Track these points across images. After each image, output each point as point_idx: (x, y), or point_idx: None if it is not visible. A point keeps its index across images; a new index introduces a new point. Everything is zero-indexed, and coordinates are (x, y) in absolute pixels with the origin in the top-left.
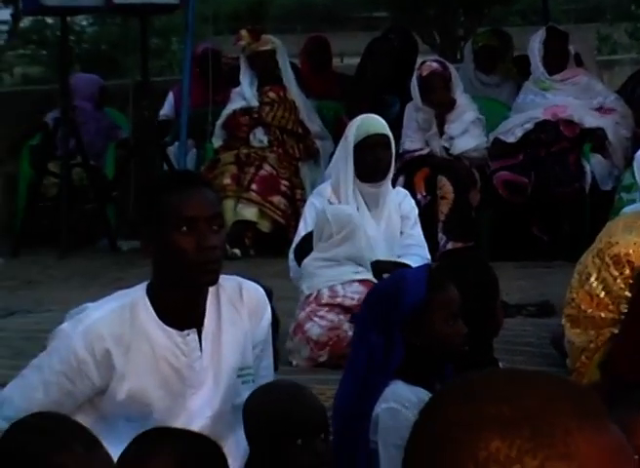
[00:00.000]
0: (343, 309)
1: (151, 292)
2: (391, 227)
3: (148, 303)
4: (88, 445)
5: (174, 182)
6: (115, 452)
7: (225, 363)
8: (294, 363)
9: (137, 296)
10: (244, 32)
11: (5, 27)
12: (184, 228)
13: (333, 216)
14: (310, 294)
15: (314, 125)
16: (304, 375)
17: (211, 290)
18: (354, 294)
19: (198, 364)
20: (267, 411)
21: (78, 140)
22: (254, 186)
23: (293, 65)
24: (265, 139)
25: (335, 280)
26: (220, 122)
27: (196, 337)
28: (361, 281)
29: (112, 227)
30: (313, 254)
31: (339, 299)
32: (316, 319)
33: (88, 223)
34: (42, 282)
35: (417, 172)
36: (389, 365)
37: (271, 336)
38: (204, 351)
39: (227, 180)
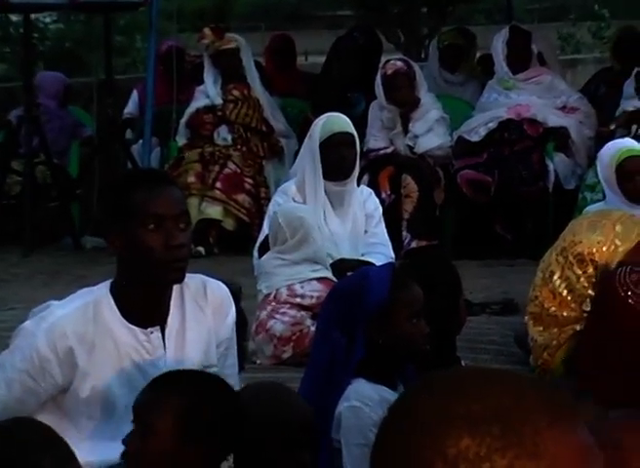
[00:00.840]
0: (303, 308)
1: (115, 290)
2: (356, 226)
3: (112, 301)
4: (59, 462)
5: (141, 180)
6: (78, 452)
7: (189, 361)
8: (257, 362)
9: (100, 294)
10: (207, 30)
11: None
12: (152, 226)
13: (285, 220)
14: (269, 294)
15: (278, 123)
16: (268, 374)
17: (175, 288)
18: (313, 293)
19: (162, 362)
20: (253, 415)
21: (42, 138)
22: (218, 184)
23: (257, 64)
24: (229, 138)
25: (293, 279)
26: (183, 120)
27: (160, 335)
28: (320, 279)
29: (76, 225)
30: (270, 254)
31: (297, 299)
32: (278, 316)
33: (51, 221)
34: (5, 280)
35: (381, 170)
36: (351, 363)
37: (237, 335)
38: (168, 349)
39: (192, 178)
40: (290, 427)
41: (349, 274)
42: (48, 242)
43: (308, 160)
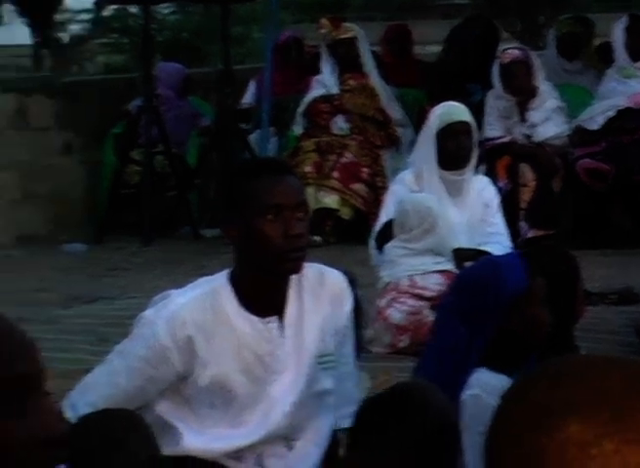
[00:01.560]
0: (423, 299)
1: (233, 280)
2: (473, 215)
3: (230, 290)
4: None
5: (260, 169)
6: (199, 438)
7: (307, 349)
8: (373, 350)
9: (219, 284)
10: (325, 20)
11: (88, 16)
12: (270, 216)
13: (413, 209)
14: (390, 282)
15: (395, 112)
16: (384, 363)
17: (293, 277)
18: (434, 285)
19: (280, 351)
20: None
21: (161, 128)
22: (335, 174)
23: (374, 53)
24: (346, 127)
25: (415, 270)
26: (300, 110)
27: (278, 325)
28: (441, 271)
29: (195, 215)
30: (394, 242)
31: (418, 290)
32: (397, 305)
33: (170, 211)
34: (125, 269)
35: (498, 159)
36: (473, 352)
37: (354, 324)
38: (286, 338)
39: (308, 168)
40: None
41: (468, 264)
42: (167, 231)
43: (425, 149)
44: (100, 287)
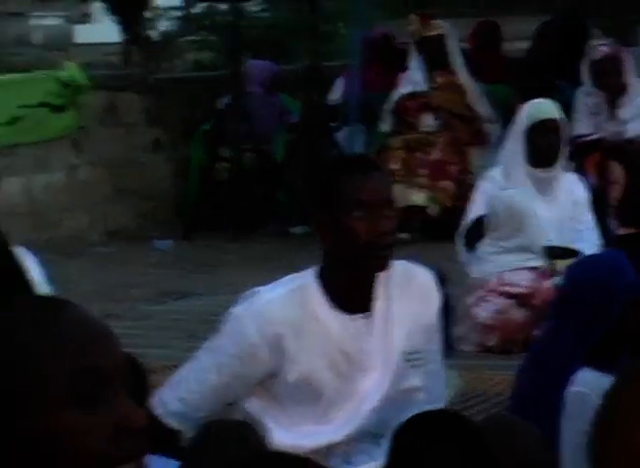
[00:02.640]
0: (510, 296)
1: (322, 277)
2: (562, 212)
3: (319, 287)
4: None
5: (349, 166)
6: (288, 435)
7: (395, 347)
8: (462, 349)
9: (307, 281)
10: (414, 17)
11: (177, 14)
12: (359, 213)
13: (502, 207)
14: (478, 280)
15: (484, 109)
16: (473, 361)
17: (381, 274)
18: (523, 282)
19: (368, 347)
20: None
21: (249, 125)
22: (423, 171)
23: (462, 50)
24: (434, 124)
25: (504, 267)
26: (388, 107)
27: (366, 322)
28: (531, 268)
29: (283, 212)
30: (485, 240)
31: (506, 287)
32: (484, 304)
33: (259, 208)
34: (215, 266)
35: (588, 156)
36: (581, 351)
37: (443, 321)
38: (374, 335)
39: (396, 165)
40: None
41: (561, 262)
42: (256, 228)
43: (514, 146)
44: (190, 283)
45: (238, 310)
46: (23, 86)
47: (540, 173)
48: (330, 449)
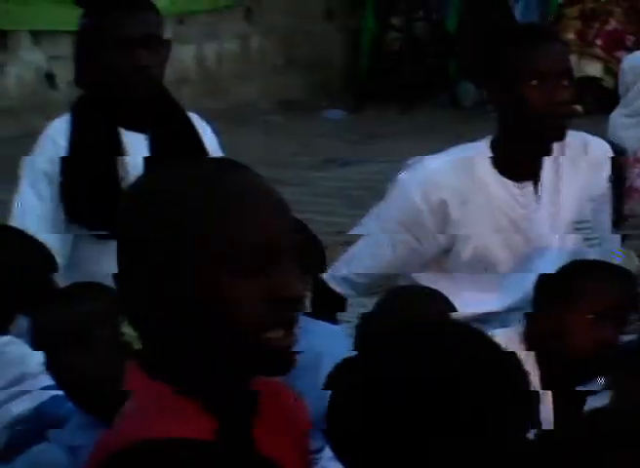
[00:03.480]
0: None
1: (494, 148)
2: None
3: (488, 156)
4: None
5: (523, 35)
6: (458, 300)
7: (563, 215)
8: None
9: (479, 149)
10: None
11: None
12: (535, 81)
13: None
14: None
15: None
16: None
17: (555, 144)
18: None
19: (535, 215)
20: None
21: None
22: (598, 41)
23: None
24: None
25: None
26: None
27: (533, 190)
28: None
29: (454, 82)
30: None
31: None
32: None
33: (430, 78)
34: (382, 136)
35: None
36: None
37: (615, 193)
38: (542, 203)
39: (571, 36)
40: None
41: None
42: (426, 98)
43: None
44: (355, 152)
45: (404, 176)
46: None
47: None
48: (487, 316)
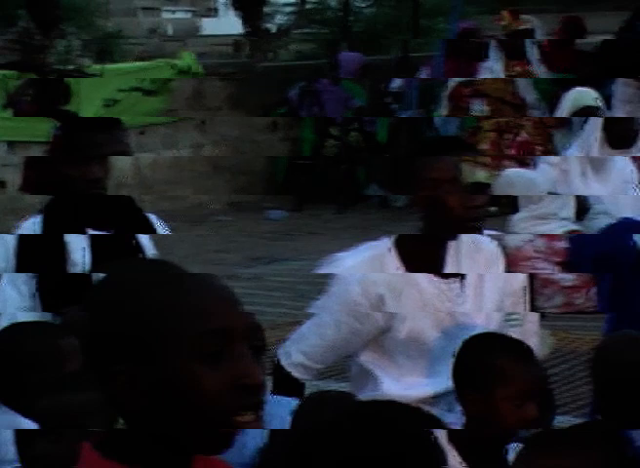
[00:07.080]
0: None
1: (398, 244)
2: None
3: (394, 252)
4: None
5: (437, 146)
6: (396, 385)
7: (487, 307)
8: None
9: (383, 247)
10: (505, 13)
11: (291, 9)
12: (446, 188)
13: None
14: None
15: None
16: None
17: (451, 243)
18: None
19: (461, 308)
20: None
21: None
22: (511, 151)
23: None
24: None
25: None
26: (445, 93)
27: (459, 285)
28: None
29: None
30: None
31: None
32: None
33: (361, 182)
34: (316, 233)
35: None
36: None
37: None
38: (466, 297)
39: (486, 146)
40: None
41: None
42: (362, 199)
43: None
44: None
45: (342, 273)
46: (138, 72)
47: None
48: (435, 399)
